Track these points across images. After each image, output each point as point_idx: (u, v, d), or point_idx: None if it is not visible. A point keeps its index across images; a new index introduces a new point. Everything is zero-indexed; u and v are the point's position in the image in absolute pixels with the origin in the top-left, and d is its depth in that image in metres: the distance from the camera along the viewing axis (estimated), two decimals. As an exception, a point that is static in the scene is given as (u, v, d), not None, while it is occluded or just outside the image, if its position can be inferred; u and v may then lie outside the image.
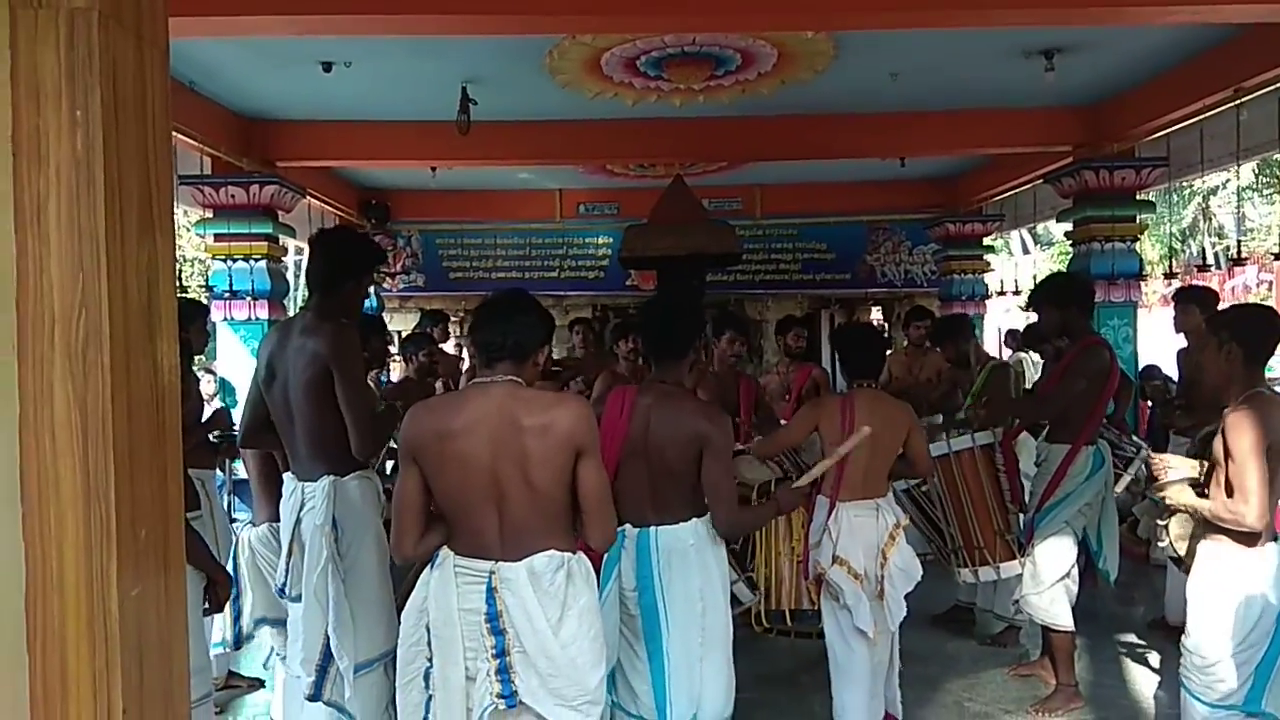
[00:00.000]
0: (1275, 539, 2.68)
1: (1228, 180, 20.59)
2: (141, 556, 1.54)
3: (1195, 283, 6.20)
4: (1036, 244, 27.70)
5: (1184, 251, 24.60)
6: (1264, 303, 3.71)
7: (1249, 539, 2.65)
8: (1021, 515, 4.19)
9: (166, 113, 1.69)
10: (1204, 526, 2.79)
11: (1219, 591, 2.69)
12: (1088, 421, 3.99)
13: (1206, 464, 2.83)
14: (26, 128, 1.44)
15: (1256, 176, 20.67)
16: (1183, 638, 2.83)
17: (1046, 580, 4.00)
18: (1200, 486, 2.84)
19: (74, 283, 1.46)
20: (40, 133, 1.45)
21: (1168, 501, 2.92)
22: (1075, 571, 4.07)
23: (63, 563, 1.45)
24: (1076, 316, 4.10)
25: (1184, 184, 13.04)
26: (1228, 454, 2.63)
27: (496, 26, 4.69)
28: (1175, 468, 2.91)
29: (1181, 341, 5.21)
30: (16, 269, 1.44)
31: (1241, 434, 2.59)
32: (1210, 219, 25.06)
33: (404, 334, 7.26)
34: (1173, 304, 5.24)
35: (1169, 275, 8.25)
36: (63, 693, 1.45)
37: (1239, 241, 9.88)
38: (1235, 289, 18.53)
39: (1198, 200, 23.72)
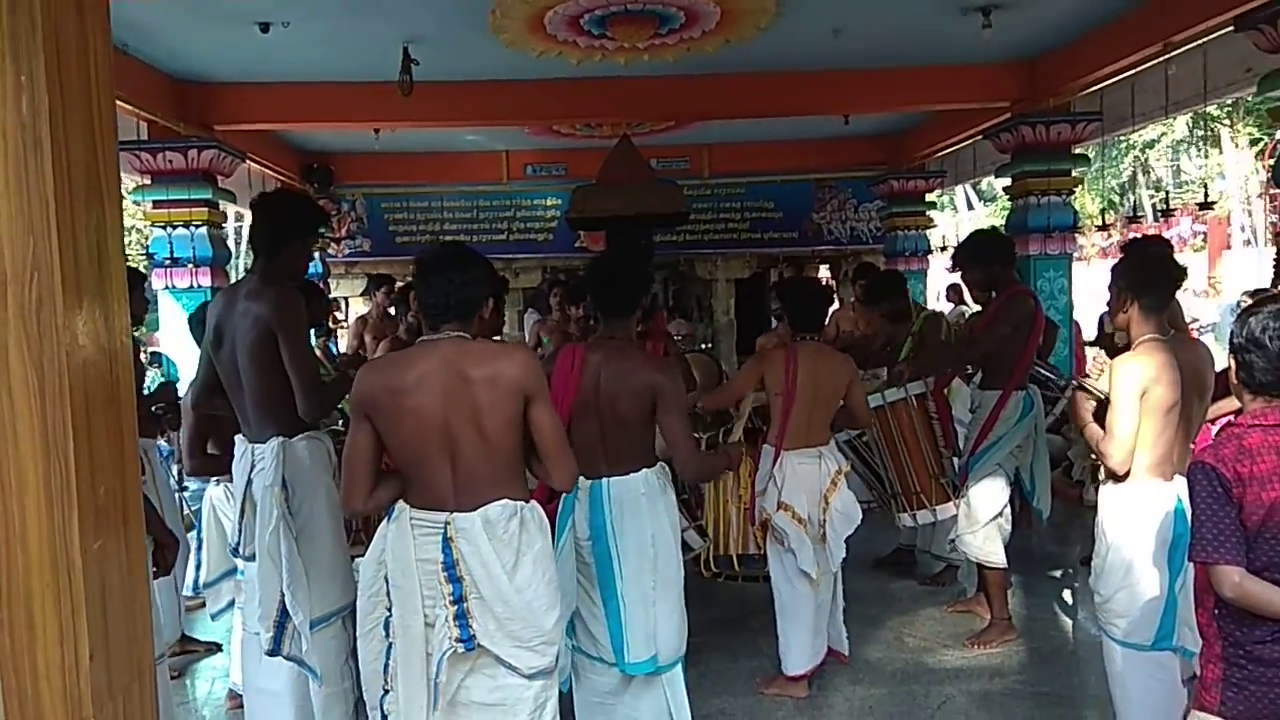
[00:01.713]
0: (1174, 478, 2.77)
1: (1163, 134, 21.10)
2: (101, 511, 1.59)
3: (1138, 234, 6.43)
4: (981, 200, 28.19)
5: (1123, 205, 25.20)
6: (1158, 248, 3.87)
7: (1121, 477, 2.78)
8: (956, 459, 4.37)
9: (109, 77, 1.71)
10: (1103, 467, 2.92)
11: (1110, 527, 2.85)
12: (1016, 367, 4.18)
13: None
14: (-30, 93, 1.47)
15: (1190, 130, 21.18)
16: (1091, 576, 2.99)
17: (980, 519, 4.20)
18: None
19: (25, 245, 1.50)
20: (-16, 97, 1.47)
21: (1075, 419, 3.05)
22: (1008, 511, 4.28)
23: (25, 518, 1.50)
24: (998, 270, 4.29)
25: (1121, 138, 13.33)
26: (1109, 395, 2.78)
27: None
28: (1092, 397, 3.03)
29: None
30: (-34, 232, 1.47)
31: (1119, 379, 2.72)
32: (1149, 172, 25.66)
33: (384, 297, 7.19)
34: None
35: (1103, 228, 8.47)
36: (30, 641, 1.50)
37: (1167, 195, 10.17)
38: (1172, 239, 19.05)
39: (1134, 154, 24.24)
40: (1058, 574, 5.31)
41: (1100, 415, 2.87)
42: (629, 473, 2.97)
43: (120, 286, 1.71)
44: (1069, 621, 4.64)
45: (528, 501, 2.41)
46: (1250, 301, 2.15)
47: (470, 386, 2.29)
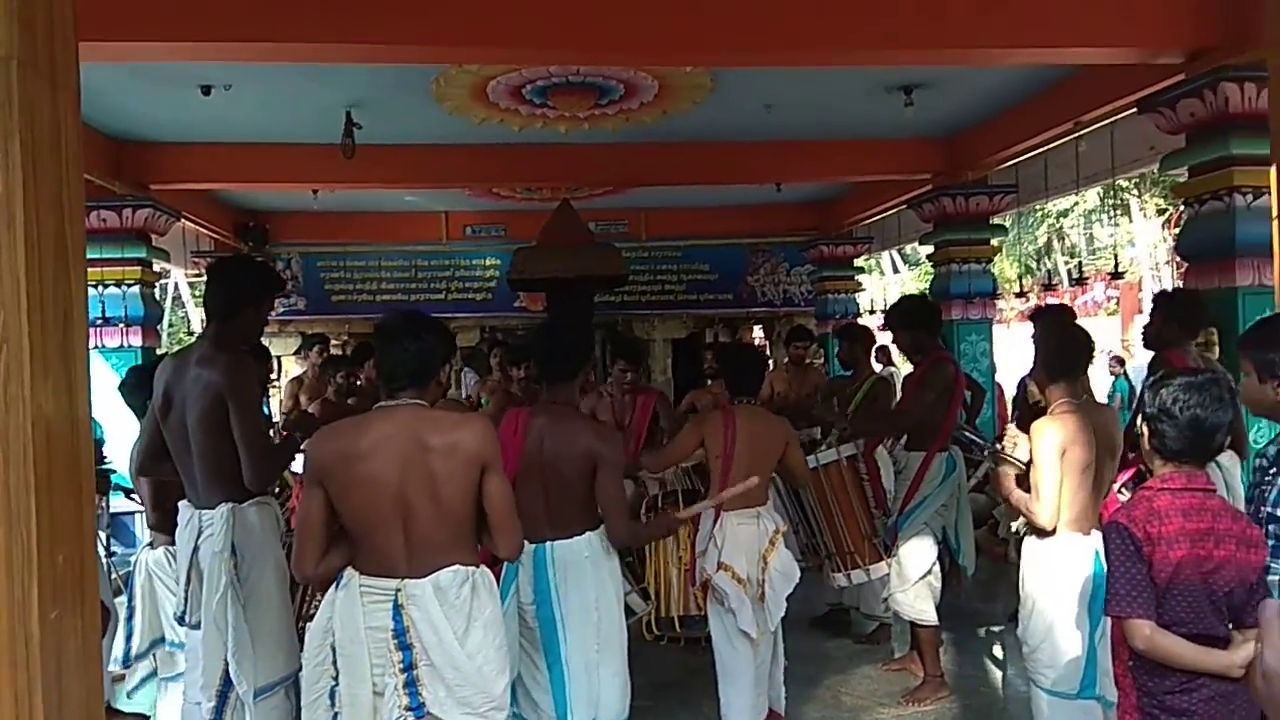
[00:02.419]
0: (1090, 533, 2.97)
1: (1076, 203, 22.13)
2: (60, 581, 1.60)
3: (1050, 301, 6.78)
4: (906, 264, 29.09)
5: (1040, 270, 26.22)
6: (1072, 328, 4.25)
7: (1047, 533, 2.95)
8: (886, 519, 4.52)
9: (79, 153, 1.75)
10: (1025, 523, 3.11)
11: (1033, 580, 3.01)
12: (940, 430, 4.38)
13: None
14: (-53, 171, 1.50)
15: (1102, 200, 22.26)
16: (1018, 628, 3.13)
17: (911, 578, 4.34)
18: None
19: (-6, 319, 1.52)
20: (-40, 176, 1.51)
21: (999, 491, 3.24)
22: (937, 569, 4.43)
23: (-15, 588, 1.50)
24: (925, 336, 4.50)
25: (1036, 207, 14.00)
26: (1031, 458, 2.96)
27: (381, 56, 4.75)
28: (1013, 465, 3.20)
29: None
30: (-63, 306, 1.49)
31: (1039, 441, 2.92)
32: (1063, 239, 26.81)
33: (316, 357, 7.11)
34: (1031, 322, 5.75)
35: (1020, 294, 8.88)
36: (-15, 714, 1.49)
37: (1079, 263, 10.69)
38: (1086, 304, 19.88)
39: (1049, 222, 25.35)
40: (986, 630, 5.46)
41: (1021, 482, 3.05)
42: (573, 536, 3.02)
43: (82, 354, 1.74)
44: (999, 676, 4.77)
45: (478, 567, 2.44)
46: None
47: (428, 454, 2.33)
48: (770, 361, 10.77)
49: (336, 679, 2.37)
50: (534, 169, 8.01)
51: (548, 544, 3.01)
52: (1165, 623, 2.00)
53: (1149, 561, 2.00)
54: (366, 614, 2.35)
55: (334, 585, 2.43)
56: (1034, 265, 26.17)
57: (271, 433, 3.38)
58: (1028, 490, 2.97)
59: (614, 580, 3.12)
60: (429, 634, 2.31)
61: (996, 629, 5.45)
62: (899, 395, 5.80)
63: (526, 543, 3.00)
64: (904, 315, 4.61)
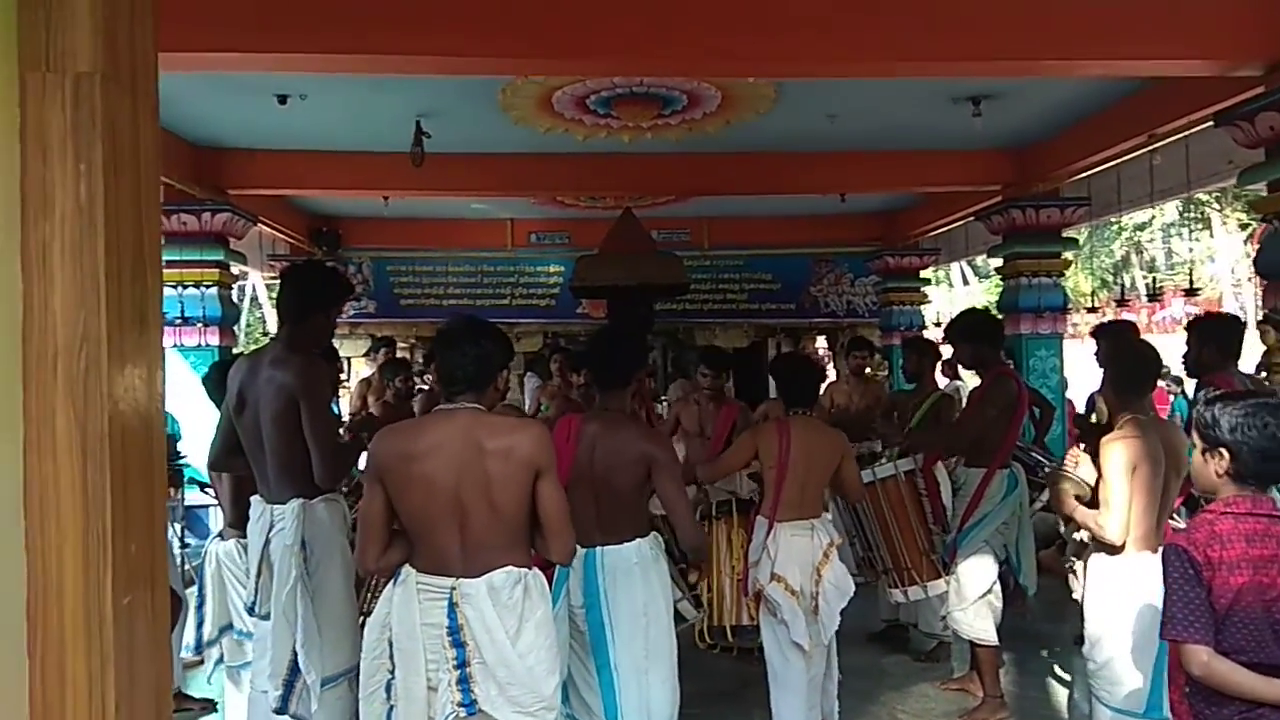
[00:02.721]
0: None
1: (1153, 217, 21.53)
2: (132, 568, 1.68)
3: (1117, 317, 6.65)
4: (977, 276, 28.56)
5: (1116, 285, 25.54)
6: (1140, 347, 4.32)
7: (1116, 549, 2.92)
8: (945, 536, 4.45)
9: (157, 162, 1.85)
10: (1092, 540, 3.06)
11: (1101, 597, 2.97)
12: (1001, 446, 4.30)
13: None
14: (34, 180, 1.60)
15: (1181, 213, 21.62)
16: (1084, 645, 3.08)
17: (970, 597, 4.27)
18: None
19: (76, 318, 1.61)
20: (47, 184, 1.60)
21: (1054, 505, 3.20)
22: (998, 588, 4.34)
23: (62, 573, 1.59)
24: (986, 350, 4.43)
25: (1111, 220, 13.65)
26: (1100, 474, 2.91)
27: (448, 67, 4.85)
28: (1074, 484, 3.16)
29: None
30: (24, 306, 1.59)
31: (1108, 457, 2.89)
32: (1142, 253, 26.10)
33: (379, 360, 7.30)
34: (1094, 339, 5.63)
35: (1093, 309, 8.67)
36: (61, 692, 1.58)
37: (1154, 278, 10.40)
38: (1163, 320, 19.31)
39: (1125, 235, 24.68)
40: (1051, 653, 5.33)
41: (1084, 501, 3.01)
42: (623, 542, 3.05)
43: (157, 352, 1.82)
44: (1062, 700, 4.66)
45: (531, 569, 2.49)
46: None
47: (484, 458, 2.39)
48: (835, 373, 10.68)
49: (393, 672, 2.44)
50: (598, 178, 8.09)
51: (598, 549, 3.05)
52: (1225, 650, 1.94)
53: (1208, 586, 1.95)
54: (423, 610, 2.41)
55: (392, 581, 2.50)
56: (1110, 279, 25.53)
57: (341, 432, 3.48)
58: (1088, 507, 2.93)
59: (664, 586, 3.14)
60: (482, 633, 2.36)
61: (1061, 651, 5.32)
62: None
63: (578, 547, 3.05)
64: (964, 328, 4.55)
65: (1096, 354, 4.26)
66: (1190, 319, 4.65)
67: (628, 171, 7.91)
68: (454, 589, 2.38)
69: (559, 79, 5.91)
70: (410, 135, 6.51)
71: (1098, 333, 4.85)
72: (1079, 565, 3.46)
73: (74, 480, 1.59)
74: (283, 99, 6.17)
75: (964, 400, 6.57)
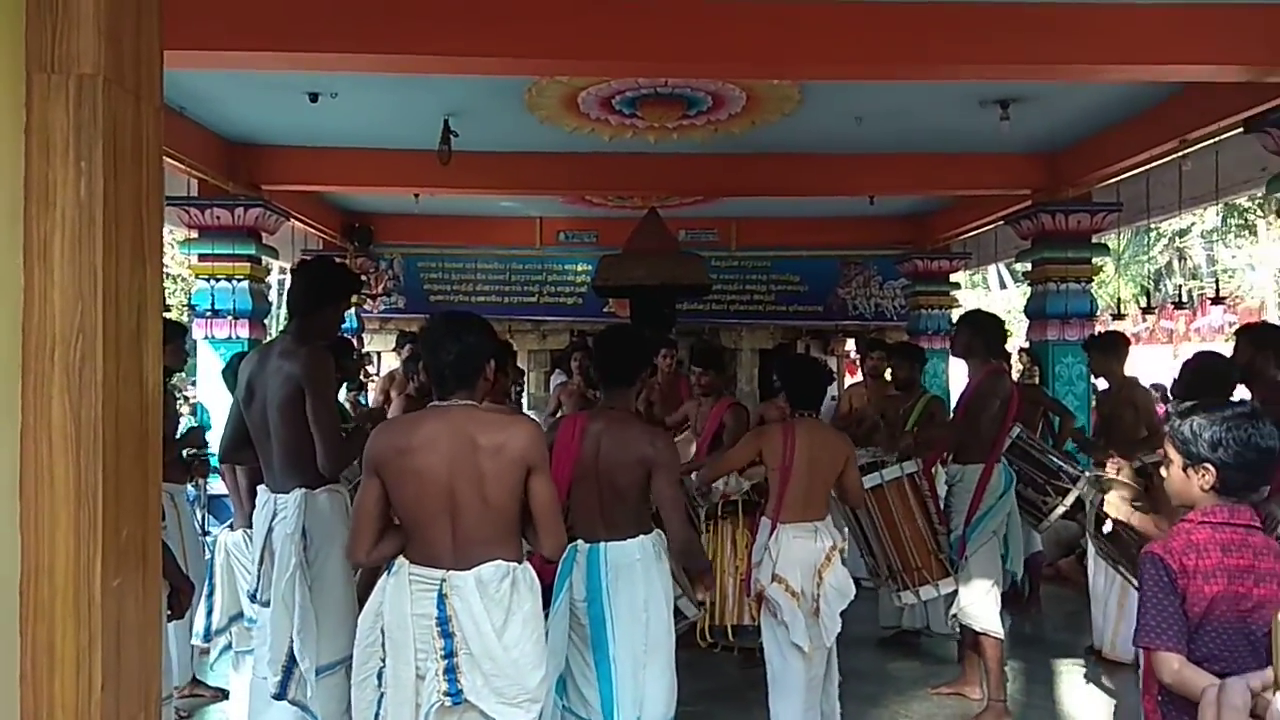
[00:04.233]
0: None
1: (1193, 223, 21.12)
2: (123, 552, 1.75)
3: (1106, 329, 6.66)
4: (1014, 280, 28.17)
5: (1158, 291, 25.09)
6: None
7: None
8: (949, 535, 4.45)
9: (159, 160, 1.92)
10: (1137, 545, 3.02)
11: None
12: (996, 441, 4.34)
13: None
14: (37, 176, 1.67)
15: (1224, 219, 21.18)
16: None
17: (980, 589, 4.29)
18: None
19: (74, 310, 1.68)
20: (49, 181, 1.67)
21: (1108, 511, 3.18)
22: (999, 576, 4.38)
23: (54, 553, 1.66)
24: (979, 345, 4.45)
25: (1151, 226, 13.41)
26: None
27: (475, 67, 4.93)
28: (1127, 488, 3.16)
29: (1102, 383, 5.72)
30: (24, 297, 1.66)
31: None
32: (1185, 259, 25.59)
33: (402, 354, 7.41)
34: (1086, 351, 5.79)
35: (1118, 316, 8.56)
36: (49, 668, 1.65)
37: (1180, 288, 10.21)
38: (1200, 329, 18.93)
39: (1164, 242, 24.22)
40: (1061, 663, 5.29)
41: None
42: (626, 538, 3.09)
43: (156, 347, 1.89)
44: (1068, 711, 4.62)
45: (520, 563, 2.53)
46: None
47: (476, 453, 2.44)
48: (861, 374, 10.62)
49: (384, 660, 2.50)
50: (624, 177, 8.12)
51: (601, 544, 3.09)
52: (1197, 659, 1.94)
53: (1183, 594, 1.95)
54: (414, 601, 2.47)
55: (385, 572, 2.56)
56: (1151, 286, 25.07)
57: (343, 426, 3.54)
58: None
59: (664, 583, 3.18)
60: (469, 624, 2.41)
61: (1071, 661, 5.27)
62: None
63: (582, 542, 3.10)
64: (971, 318, 4.67)
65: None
66: (1238, 328, 4.60)
67: (654, 171, 7.94)
68: (444, 581, 2.44)
69: (583, 79, 5.95)
70: (438, 133, 6.60)
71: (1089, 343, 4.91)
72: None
73: (68, 465, 1.66)
74: (314, 97, 6.28)
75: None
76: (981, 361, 4.44)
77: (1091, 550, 5.13)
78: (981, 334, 4.47)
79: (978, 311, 4.87)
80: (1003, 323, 4.77)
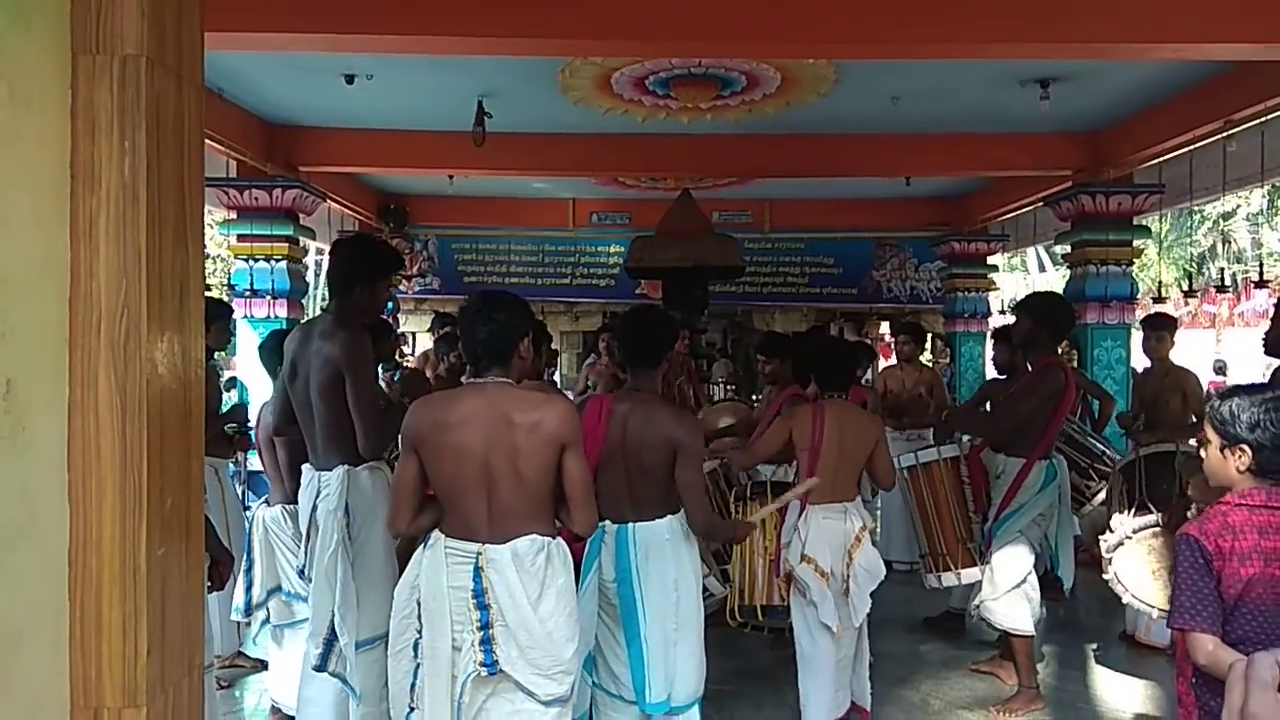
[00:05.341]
0: None
1: (1238, 206, 20.65)
2: (167, 522, 1.80)
3: (1156, 310, 6.48)
4: (1054, 263, 27.74)
5: (1201, 275, 24.59)
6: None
7: None
8: (984, 525, 4.40)
9: (200, 140, 1.96)
10: None
11: None
12: (1042, 437, 4.20)
13: None
14: (83, 155, 1.71)
15: (1271, 201, 20.71)
16: None
17: (1003, 586, 4.22)
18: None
19: (118, 286, 1.72)
20: (94, 160, 1.71)
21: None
22: (1034, 579, 4.28)
23: (101, 523, 1.71)
24: (1043, 335, 4.30)
25: (1196, 208, 13.15)
26: None
27: (508, 48, 4.93)
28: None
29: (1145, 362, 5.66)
30: (70, 274, 1.70)
31: None
32: (1229, 242, 25.04)
33: (436, 335, 7.50)
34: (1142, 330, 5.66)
35: (1158, 299, 8.41)
36: (97, 635, 1.70)
37: (1222, 271, 10.01)
38: (1244, 313, 18.55)
39: (1208, 225, 23.72)
40: (1095, 646, 5.25)
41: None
42: (654, 519, 3.11)
43: (197, 323, 1.93)
44: (1101, 694, 4.59)
45: (554, 538, 2.56)
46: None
47: (512, 430, 2.48)
48: (895, 357, 10.55)
49: (420, 632, 2.54)
50: (657, 159, 8.11)
51: (630, 525, 3.11)
52: (1232, 640, 1.93)
53: (1218, 576, 1.94)
54: (450, 573, 2.51)
55: (422, 545, 2.60)
56: (1194, 270, 24.59)
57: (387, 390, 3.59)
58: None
59: (693, 563, 3.20)
60: (505, 596, 2.45)
61: (1105, 646, 5.23)
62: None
63: (610, 523, 3.12)
64: (1035, 306, 4.41)
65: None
66: (1278, 300, 4.46)
67: (687, 152, 7.92)
68: (480, 554, 2.48)
69: (617, 60, 5.95)
70: (473, 115, 6.63)
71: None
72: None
73: (113, 438, 1.71)
74: (350, 79, 6.33)
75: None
76: (1042, 353, 4.29)
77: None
78: (1045, 324, 4.28)
79: (1040, 297, 4.62)
80: (1069, 308, 4.53)
